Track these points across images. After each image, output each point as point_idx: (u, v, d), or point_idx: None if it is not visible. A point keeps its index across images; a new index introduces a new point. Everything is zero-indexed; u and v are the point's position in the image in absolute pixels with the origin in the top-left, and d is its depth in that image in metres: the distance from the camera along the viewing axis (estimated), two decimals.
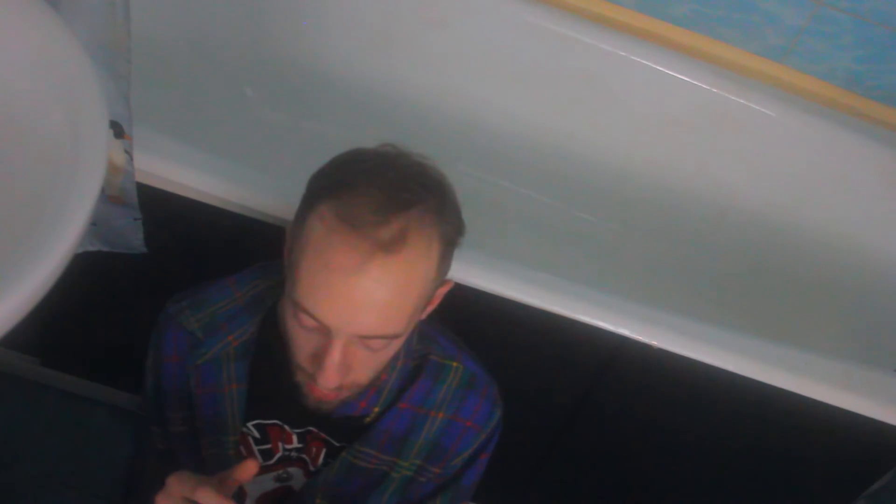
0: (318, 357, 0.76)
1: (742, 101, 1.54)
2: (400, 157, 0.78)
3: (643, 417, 1.28)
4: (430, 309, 0.82)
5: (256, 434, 0.90)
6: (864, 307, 1.59)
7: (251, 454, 0.91)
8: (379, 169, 0.75)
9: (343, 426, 0.88)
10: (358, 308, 0.72)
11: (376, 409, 0.88)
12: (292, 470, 0.92)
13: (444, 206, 0.77)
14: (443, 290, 0.82)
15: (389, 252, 0.70)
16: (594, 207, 1.74)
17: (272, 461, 0.91)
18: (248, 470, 0.71)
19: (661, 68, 1.53)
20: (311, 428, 0.89)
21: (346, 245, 0.70)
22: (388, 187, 0.73)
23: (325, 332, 0.74)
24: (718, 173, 1.64)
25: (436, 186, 0.77)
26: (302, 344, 0.77)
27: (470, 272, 1.07)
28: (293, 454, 0.91)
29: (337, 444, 0.89)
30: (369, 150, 0.79)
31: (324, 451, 0.90)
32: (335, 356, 0.74)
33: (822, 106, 1.55)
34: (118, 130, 0.96)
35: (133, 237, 1.11)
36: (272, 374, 0.86)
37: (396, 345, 0.79)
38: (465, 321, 0.96)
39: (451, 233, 0.77)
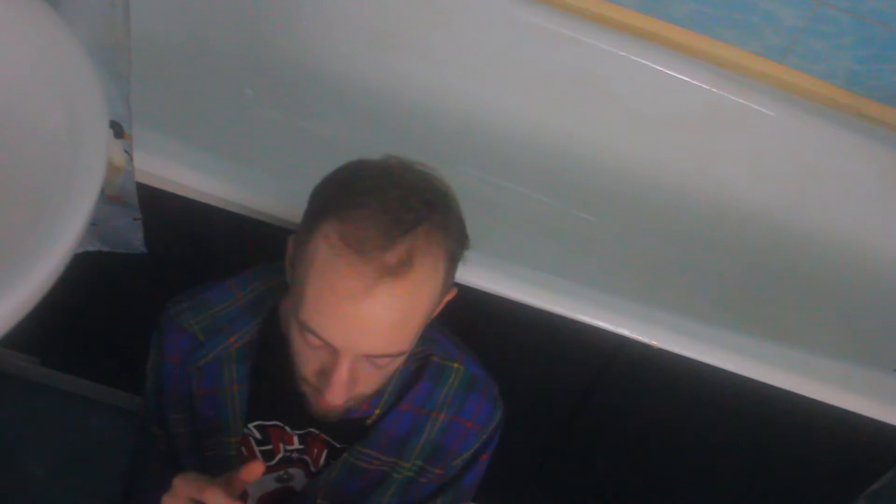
0: (325, 374, 0.76)
1: (742, 101, 1.53)
2: (404, 172, 0.77)
3: (643, 417, 1.28)
4: (433, 316, 0.82)
5: (257, 435, 0.90)
6: (864, 307, 1.59)
7: (252, 455, 0.91)
8: (383, 187, 0.73)
9: (344, 427, 0.88)
10: (365, 331, 0.72)
11: (378, 411, 0.88)
12: (293, 471, 0.92)
13: (449, 221, 0.76)
14: (447, 299, 0.82)
15: (396, 276, 0.70)
16: (594, 207, 1.74)
17: (273, 462, 0.91)
18: (254, 471, 0.71)
19: (661, 68, 1.53)
20: (312, 429, 0.89)
21: (352, 270, 0.70)
22: (393, 207, 0.72)
23: (332, 351, 0.74)
24: (718, 173, 1.64)
25: (440, 201, 0.76)
26: (308, 360, 0.77)
27: (470, 272, 1.07)
28: (294, 455, 0.91)
29: (338, 446, 0.89)
30: (373, 164, 0.78)
31: (325, 452, 0.90)
32: (342, 375, 0.74)
33: (822, 106, 1.55)
34: (118, 130, 0.96)
35: (133, 237, 1.11)
36: (274, 376, 0.86)
37: (403, 359, 0.80)
38: (465, 321, 0.96)
39: (456, 248, 0.77)
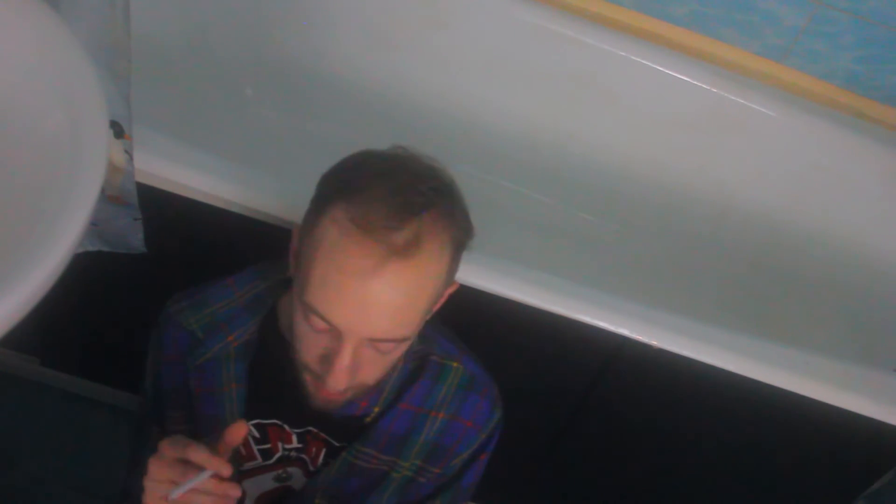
0: (328, 359, 0.76)
1: (742, 101, 1.54)
2: (411, 160, 0.78)
3: (643, 417, 1.28)
4: (435, 309, 0.82)
5: (256, 434, 0.90)
6: (864, 307, 1.59)
7: (251, 454, 0.91)
8: (391, 172, 0.75)
9: (343, 426, 0.88)
10: (371, 312, 0.72)
11: (376, 409, 0.88)
12: (292, 470, 0.92)
13: (455, 209, 0.77)
14: (449, 291, 0.82)
15: (404, 257, 0.70)
16: (594, 207, 1.74)
17: (272, 461, 0.91)
18: (237, 432, 0.72)
19: (661, 68, 1.53)
20: (310, 428, 0.89)
21: (360, 249, 0.70)
22: (401, 191, 0.72)
23: (336, 335, 0.74)
24: (718, 173, 1.64)
25: (447, 189, 0.77)
26: (310, 345, 0.77)
27: (470, 272, 1.07)
28: (293, 454, 0.91)
29: (337, 445, 0.89)
30: (380, 152, 0.79)
31: (324, 451, 0.90)
32: (345, 358, 0.74)
33: (822, 106, 1.55)
34: (118, 130, 0.96)
35: (133, 237, 1.11)
36: (272, 374, 0.87)
37: (405, 347, 0.80)
38: (465, 321, 0.96)
39: (461, 236, 0.77)
